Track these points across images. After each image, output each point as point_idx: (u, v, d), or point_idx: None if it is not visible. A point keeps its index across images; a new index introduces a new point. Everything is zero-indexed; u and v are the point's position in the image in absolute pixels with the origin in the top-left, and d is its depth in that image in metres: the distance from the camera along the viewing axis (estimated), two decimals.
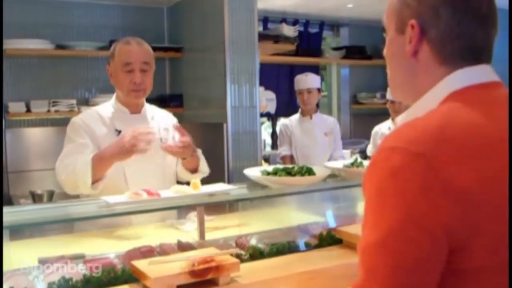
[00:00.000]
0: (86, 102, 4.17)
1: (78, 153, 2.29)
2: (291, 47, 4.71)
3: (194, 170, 2.49)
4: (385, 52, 1.13)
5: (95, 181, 2.19)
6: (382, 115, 4.78)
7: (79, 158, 2.23)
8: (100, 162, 2.19)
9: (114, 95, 2.51)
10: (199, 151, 2.57)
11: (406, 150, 0.87)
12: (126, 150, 2.12)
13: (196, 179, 2.05)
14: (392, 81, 1.13)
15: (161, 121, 2.58)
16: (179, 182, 2.47)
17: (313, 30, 5.60)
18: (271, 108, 5.18)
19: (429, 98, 1.02)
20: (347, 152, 4.76)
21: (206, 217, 2.14)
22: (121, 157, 2.18)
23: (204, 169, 2.53)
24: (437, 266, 0.86)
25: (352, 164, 2.35)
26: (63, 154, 2.34)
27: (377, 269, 0.86)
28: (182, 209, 2.33)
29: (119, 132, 2.39)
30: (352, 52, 5.60)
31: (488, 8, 1.01)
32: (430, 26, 1.01)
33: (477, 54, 1.02)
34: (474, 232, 0.84)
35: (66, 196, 3.80)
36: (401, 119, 1.08)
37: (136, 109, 2.49)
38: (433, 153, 0.85)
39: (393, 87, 1.15)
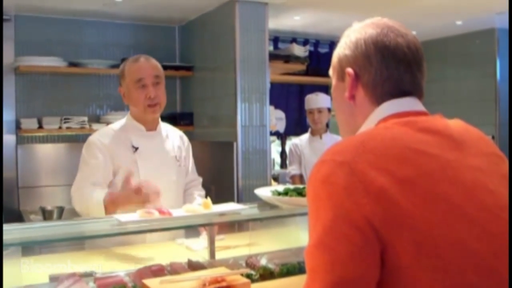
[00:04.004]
0: (97, 119, 4.20)
1: (91, 177, 2.33)
2: (302, 67, 4.74)
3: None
4: (332, 97, 1.29)
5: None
6: None
7: (92, 193, 2.25)
8: (113, 206, 2.17)
9: (128, 113, 2.54)
10: (199, 180, 2.74)
11: (332, 161, 1.00)
12: (137, 202, 2.08)
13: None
14: (338, 121, 1.29)
15: (175, 140, 2.61)
16: None
17: (323, 50, 5.62)
18: (281, 127, 5.19)
19: (362, 130, 1.17)
20: None
21: (216, 236, 2.14)
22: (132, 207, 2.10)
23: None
24: (370, 258, 0.93)
25: None
26: (78, 181, 2.38)
27: (318, 267, 0.96)
28: (193, 228, 2.33)
29: (136, 148, 2.42)
30: None
31: (413, 56, 1.15)
32: (363, 72, 1.16)
33: (405, 94, 1.15)
34: (397, 228, 0.93)
35: (76, 213, 3.84)
36: None
37: (152, 126, 2.52)
38: (354, 161, 0.97)
39: (339, 126, 1.29)
